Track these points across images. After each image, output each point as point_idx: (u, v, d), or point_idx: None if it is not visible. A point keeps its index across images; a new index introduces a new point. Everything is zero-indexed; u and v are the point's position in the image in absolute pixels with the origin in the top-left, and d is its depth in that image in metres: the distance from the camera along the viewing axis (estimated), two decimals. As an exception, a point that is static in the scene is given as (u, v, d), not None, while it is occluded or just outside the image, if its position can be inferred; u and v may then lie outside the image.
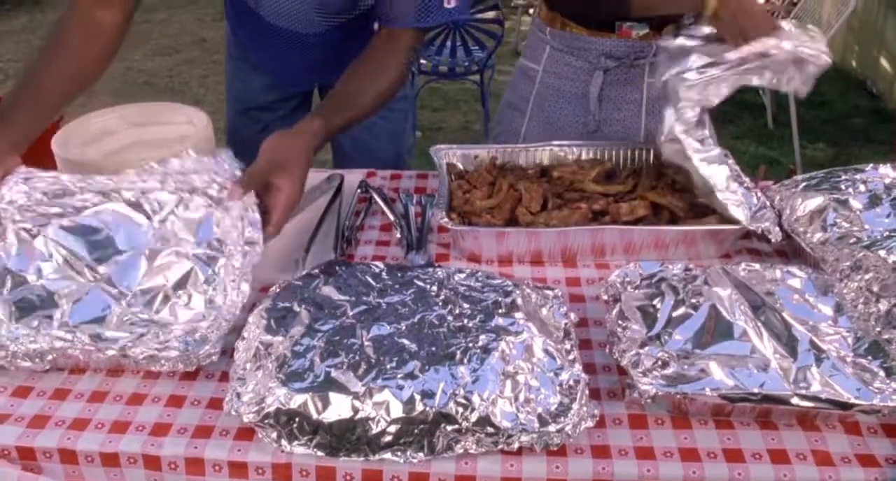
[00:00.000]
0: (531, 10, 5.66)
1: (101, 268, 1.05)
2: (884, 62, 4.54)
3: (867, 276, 1.06)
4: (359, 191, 1.45)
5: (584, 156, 1.46)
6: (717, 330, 0.97)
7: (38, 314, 1.00)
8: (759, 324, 0.97)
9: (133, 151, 1.35)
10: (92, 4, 1.33)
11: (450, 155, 1.44)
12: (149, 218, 1.11)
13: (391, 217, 1.36)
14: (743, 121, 4.10)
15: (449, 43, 3.44)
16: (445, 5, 1.35)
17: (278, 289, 1.04)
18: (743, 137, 3.98)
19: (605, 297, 1.09)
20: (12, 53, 5.59)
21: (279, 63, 1.70)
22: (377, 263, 1.09)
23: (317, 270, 1.06)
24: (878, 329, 0.99)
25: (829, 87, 4.51)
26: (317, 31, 1.58)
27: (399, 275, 1.05)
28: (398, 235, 1.32)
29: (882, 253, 1.08)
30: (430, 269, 1.07)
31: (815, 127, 4.11)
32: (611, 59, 1.60)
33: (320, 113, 1.30)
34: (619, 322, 1.01)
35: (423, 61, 3.52)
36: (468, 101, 4.17)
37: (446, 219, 1.22)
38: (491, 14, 3.38)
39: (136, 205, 1.12)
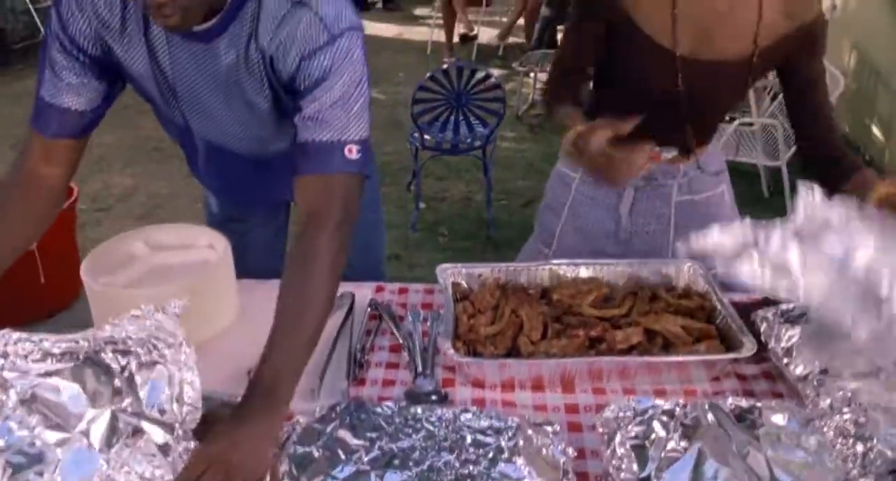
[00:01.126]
0: (531, 75, 5.81)
1: None
2: (875, 130, 4.66)
3: (846, 417, 1.13)
4: (369, 309, 1.53)
5: (582, 274, 1.55)
6: (704, 474, 1.04)
7: None
8: (745, 467, 1.05)
9: (159, 278, 1.43)
10: (37, 164, 1.40)
11: (455, 274, 1.53)
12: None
13: (400, 339, 1.44)
14: (738, 188, 4.19)
15: (452, 120, 3.56)
16: (346, 154, 1.32)
17: (298, 430, 1.12)
18: (738, 205, 4.07)
19: (601, 430, 1.17)
20: (25, 117, 5.67)
21: (223, 182, 1.77)
22: (389, 404, 1.17)
23: (333, 413, 1.14)
24: (854, 471, 1.06)
25: (823, 153, 4.61)
26: (253, 150, 1.59)
27: (409, 416, 1.13)
28: (407, 357, 1.40)
29: (864, 393, 1.16)
30: (439, 410, 1.15)
31: (810, 193, 4.20)
32: (641, 178, 1.70)
33: (264, 369, 1.14)
34: (614, 462, 1.09)
35: (426, 137, 3.63)
36: (470, 169, 4.27)
37: (452, 351, 1.30)
38: (493, 93, 3.49)
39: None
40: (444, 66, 3.54)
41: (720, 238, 1.15)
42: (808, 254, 1.10)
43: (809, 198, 1.20)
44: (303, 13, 1.31)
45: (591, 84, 1.74)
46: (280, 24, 1.32)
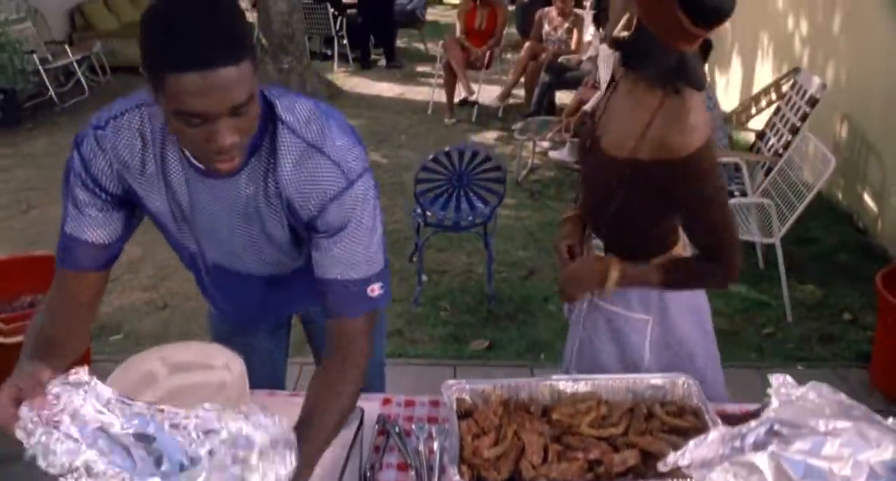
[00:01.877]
0: (529, 144, 5.94)
1: None
2: (867, 198, 4.76)
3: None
4: (377, 426, 1.61)
5: (581, 390, 1.63)
6: None
7: None
8: None
9: (178, 402, 1.50)
10: (69, 293, 1.53)
11: (459, 390, 1.61)
12: None
13: (407, 459, 1.51)
14: (734, 262, 4.28)
15: (454, 198, 3.65)
16: (370, 294, 1.47)
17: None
18: (734, 278, 4.15)
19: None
20: (34, 180, 5.82)
21: (232, 303, 1.84)
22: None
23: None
24: None
25: (817, 222, 4.71)
26: (265, 272, 1.67)
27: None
28: (414, 477, 1.47)
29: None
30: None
31: (804, 265, 4.28)
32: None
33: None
34: None
35: (428, 213, 3.73)
36: (472, 240, 4.36)
37: (458, 477, 1.37)
38: (494, 173, 3.60)
39: None
40: (448, 144, 3.64)
41: (697, 452, 1.23)
42: (780, 456, 1.17)
43: (782, 390, 1.30)
44: (319, 159, 1.41)
45: None
46: (297, 166, 1.42)
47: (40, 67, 7.60)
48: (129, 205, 1.53)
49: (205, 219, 1.53)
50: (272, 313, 1.92)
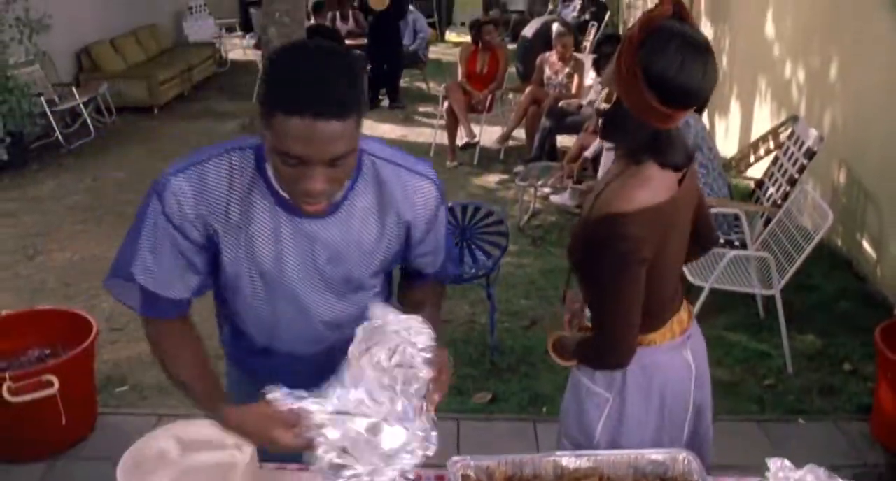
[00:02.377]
0: (531, 189, 6.00)
1: None
2: (866, 245, 4.80)
3: None
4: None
5: (583, 465, 1.66)
6: None
7: None
8: None
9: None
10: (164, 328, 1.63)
11: (464, 467, 1.64)
12: None
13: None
14: (736, 311, 4.32)
15: (457, 252, 3.70)
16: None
17: None
18: (735, 328, 4.19)
19: None
20: (40, 225, 5.87)
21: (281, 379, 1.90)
22: None
23: None
24: None
25: (817, 269, 4.74)
26: (318, 348, 1.74)
27: None
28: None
29: None
30: None
31: (804, 313, 4.32)
32: None
33: None
34: None
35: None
36: (475, 289, 4.39)
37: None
38: (496, 227, 3.65)
39: None
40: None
41: None
42: None
43: (780, 474, 1.33)
44: (412, 177, 1.61)
45: None
46: (403, 189, 1.59)
47: (47, 110, 7.69)
48: (209, 255, 1.55)
49: (289, 268, 1.57)
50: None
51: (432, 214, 1.65)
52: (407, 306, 1.66)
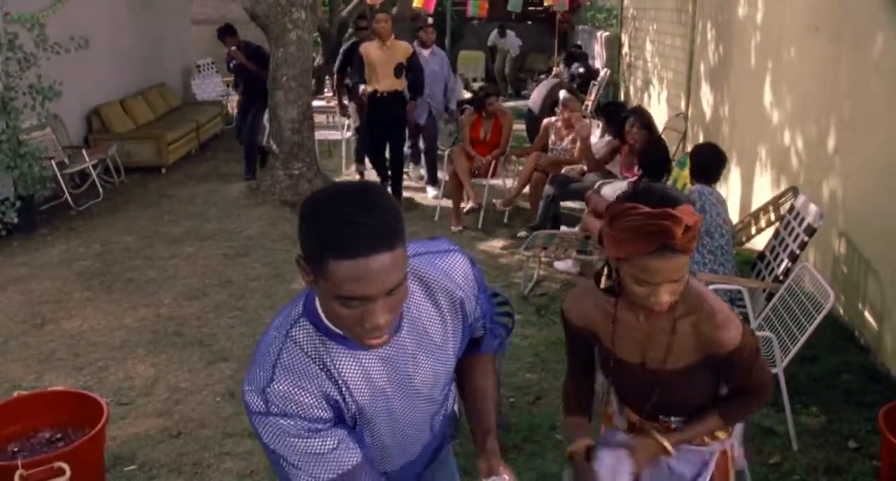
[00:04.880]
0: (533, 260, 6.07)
1: None
2: (868, 316, 4.84)
3: None
4: None
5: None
6: None
7: None
8: None
9: None
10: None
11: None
12: None
13: None
14: (739, 385, 4.33)
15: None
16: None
17: None
18: (739, 403, 4.20)
19: None
20: (49, 293, 5.92)
21: None
22: None
23: None
24: None
25: (819, 340, 4.76)
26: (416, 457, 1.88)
27: None
28: None
29: None
30: None
31: (807, 387, 4.34)
32: None
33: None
34: None
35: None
36: (480, 362, 4.43)
37: None
38: (502, 308, 3.69)
39: None
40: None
41: None
42: None
43: None
44: (439, 257, 1.72)
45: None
46: (444, 273, 1.69)
47: (57, 172, 7.82)
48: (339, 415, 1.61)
49: (393, 399, 1.67)
50: None
51: (473, 282, 1.77)
52: (461, 375, 1.91)
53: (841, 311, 5.18)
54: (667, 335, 2.02)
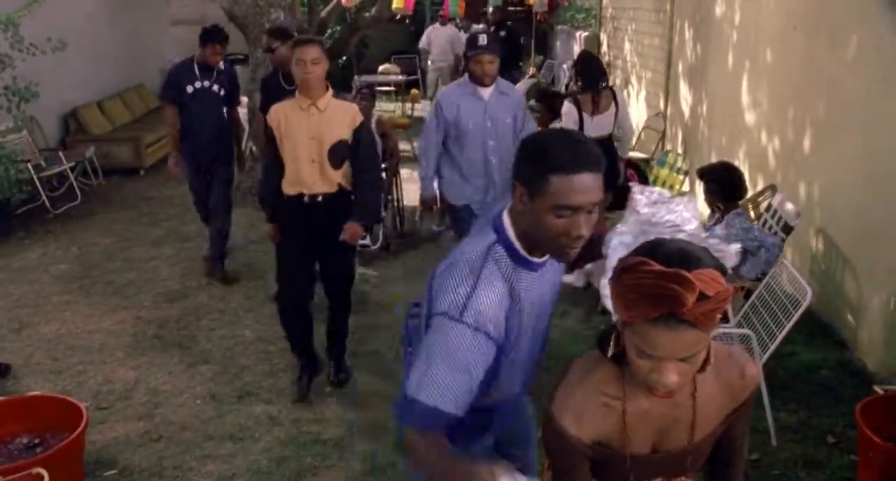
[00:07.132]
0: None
1: None
2: (845, 312, 4.89)
3: None
4: None
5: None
6: None
7: None
8: None
9: None
10: None
11: None
12: None
13: None
14: (718, 383, 4.36)
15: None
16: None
17: None
18: (719, 400, 4.22)
19: None
20: (26, 297, 5.86)
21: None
22: None
23: None
24: None
25: (797, 335, 4.79)
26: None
27: None
28: None
29: None
30: None
31: (785, 383, 4.38)
32: None
33: None
34: None
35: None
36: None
37: None
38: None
39: None
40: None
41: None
42: None
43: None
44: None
45: None
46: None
47: (34, 176, 7.73)
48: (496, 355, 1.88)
49: (541, 318, 2.03)
50: None
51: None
52: None
53: (817, 307, 5.22)
54: (688, 406, 1.72)
